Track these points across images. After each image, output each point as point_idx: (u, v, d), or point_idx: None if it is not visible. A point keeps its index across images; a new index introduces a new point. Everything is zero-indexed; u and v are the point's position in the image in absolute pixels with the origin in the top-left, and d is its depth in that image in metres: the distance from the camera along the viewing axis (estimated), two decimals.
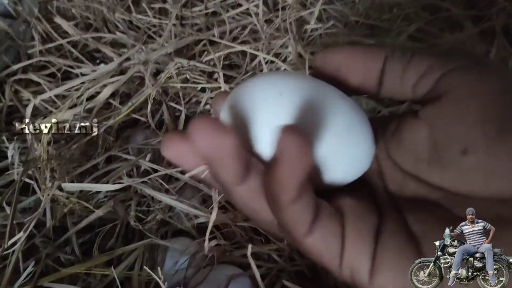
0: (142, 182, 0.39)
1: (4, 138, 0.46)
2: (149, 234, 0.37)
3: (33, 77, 0.54)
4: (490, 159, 0.20)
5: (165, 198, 0.39)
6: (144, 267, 0.32)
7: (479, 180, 0.21)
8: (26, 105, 0.52)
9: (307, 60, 0.51)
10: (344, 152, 0.21)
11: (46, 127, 0.40)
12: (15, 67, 0.56)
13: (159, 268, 0.30)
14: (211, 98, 0.52)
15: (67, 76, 0.58)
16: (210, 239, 0.35)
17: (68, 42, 0.59)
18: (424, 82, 0.22)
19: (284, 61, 0.54)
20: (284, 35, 0.55)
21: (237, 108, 0.22)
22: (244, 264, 0.38)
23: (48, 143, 0.39)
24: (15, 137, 0.44)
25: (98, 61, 0.59)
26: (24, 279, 0.31)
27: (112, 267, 0.33)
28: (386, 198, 0.23)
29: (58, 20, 0.60)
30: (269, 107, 0.21)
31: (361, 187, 0.24)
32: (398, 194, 0.23)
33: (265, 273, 0.38)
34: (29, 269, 0.31)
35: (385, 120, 0.25)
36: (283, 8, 0.62)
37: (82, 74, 0.56)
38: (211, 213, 0.39)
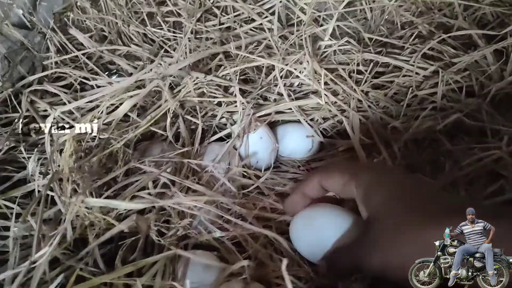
0: (162, 196, 0.40)
1: (22, 148, 0.46)
2: (171, 247, 0.37)
3: (50, 88, 0.54)
4: None
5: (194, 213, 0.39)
6: (173, 283, 0.32)
7: None
8: (43, 116, 0.52)
9: (323, 76, 0.52)
10: None
11: (67, 139, 0.40)
12: (31, 78, 0.56)
13: (188, 281, 0.30)
14: (227, 112, 0.52)
15: (81, 87, 0.58)
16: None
17: (83, 54, 0.59)
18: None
19: (298, 77, 0.55)
20: (298, 51, 0.56)
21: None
22: (263, 282, 0.38)
23: (70, 156, 0.39)
24: (35, 149, 0.44)
25: (113, 72, 0.60)
26: None
27: (137, 278, 0.33)
28: None
29: (73, 32, 0.61)
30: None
31: None
32: None
33: None
34: (59, 279, 0.31)
35: None
36: (296, 24, 0.63)
37: (97, 86, 0.56)
38: (233, 227, 0.39)
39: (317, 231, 0.38)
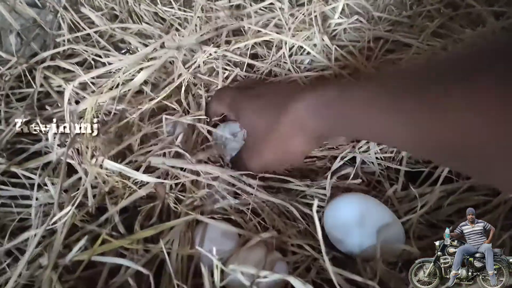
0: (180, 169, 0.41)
1: (38, 121, 0.47)
2: (190, 212, 0.37)
3: (63, 64, 0.54)
4: None
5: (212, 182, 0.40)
6: (198, 248, 0.33)
7: None
8: (57, 91, 0.53)
9: (333, 51, 0.52)
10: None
11: (89, 103, 0.40)
12: (44, 54, 0.56)
13: (214, 248, 0.31)
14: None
15: (93, 65, 0.58)
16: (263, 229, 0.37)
17: (95, 32, 0.60)
18: None
19: (308, 53, 0.55)
20: (308, 29, 0.56)
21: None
22: (279, 250, 0.39)
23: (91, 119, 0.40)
24: (54, 120, 0.44)
25: (124, 51, 0.60)
26: (76, 251, 0.32)
27: (160, 242, 0.34)
28: None
29: (85, 10, 0.61)
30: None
31: None
32: None
33: (300, 260, 0.39)
34: (83, 242, 0.32)
35: None
36: (306, 4, 0.63)
37: (109, 63, 0.57)
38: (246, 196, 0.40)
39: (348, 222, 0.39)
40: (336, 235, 0.40)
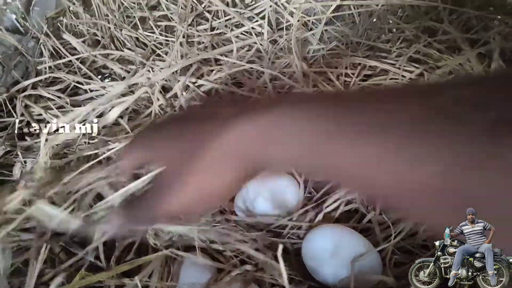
0: None
1: (19, 153, 0.47)
2: (163, 249, 0.38)
3: (44, 93, 0.55)
4: None
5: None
6: (166, 283, 0.33)
7: None
8: (38, 120, 0.53)
9: (311, 79, 0.53)
10: None
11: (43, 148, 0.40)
12: (26, 82, 0.57)
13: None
14: None
15: (75, 92, 0.59)
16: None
17: (77, 59, 0.60)
18: None
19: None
20: (288, 55, 0.57)
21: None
22: (257, 281, 0.39)
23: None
24: (24, 160, 0.44)
25: (106, 76, 0.61)
26: None
27: (135, 277, 0.34)
28: None
29: (66, 37, 0.62)
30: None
31: None
32: None
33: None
34: (58, 279, 0.32)
35: None
36: (285, 28, 0.64)
37: (91, 90, 0.57)
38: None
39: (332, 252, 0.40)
40: (312, 266, 0.40)
